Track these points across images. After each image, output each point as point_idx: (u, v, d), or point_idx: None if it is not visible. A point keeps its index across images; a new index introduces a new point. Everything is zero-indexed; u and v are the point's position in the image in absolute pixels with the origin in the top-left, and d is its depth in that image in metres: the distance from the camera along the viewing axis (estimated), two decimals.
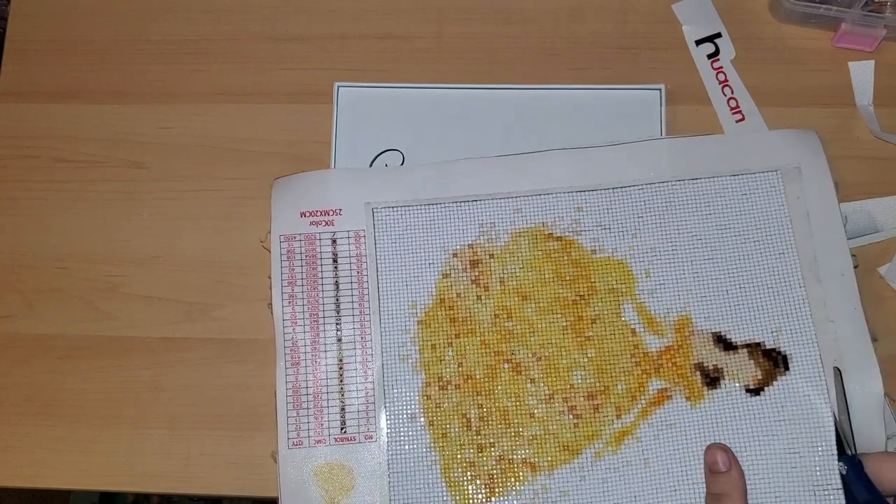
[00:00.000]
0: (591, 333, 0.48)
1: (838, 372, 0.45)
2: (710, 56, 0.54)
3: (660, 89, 0.53)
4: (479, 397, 0.47)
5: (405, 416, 0.47)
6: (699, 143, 0.50)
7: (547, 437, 0.46)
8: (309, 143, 0.54)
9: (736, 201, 0.49)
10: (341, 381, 0.48)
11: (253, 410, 0.49)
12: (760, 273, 0.48)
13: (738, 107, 0.53)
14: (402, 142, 0.53)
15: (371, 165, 0.53)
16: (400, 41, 0.55)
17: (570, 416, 0.46)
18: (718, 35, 0.54)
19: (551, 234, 0.49)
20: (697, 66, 0.54)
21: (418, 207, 0.50)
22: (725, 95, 0.53)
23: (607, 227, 0.49)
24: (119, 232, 0.53)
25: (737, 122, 0.52)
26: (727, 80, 0.53)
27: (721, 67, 0.54)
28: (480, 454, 0.46)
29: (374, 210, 0.50)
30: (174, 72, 0.56)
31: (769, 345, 0.47)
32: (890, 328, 0.49)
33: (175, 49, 0.56)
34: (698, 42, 0.54)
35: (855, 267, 0.48)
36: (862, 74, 0.53)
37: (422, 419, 0.47)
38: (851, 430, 0.45)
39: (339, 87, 0.54)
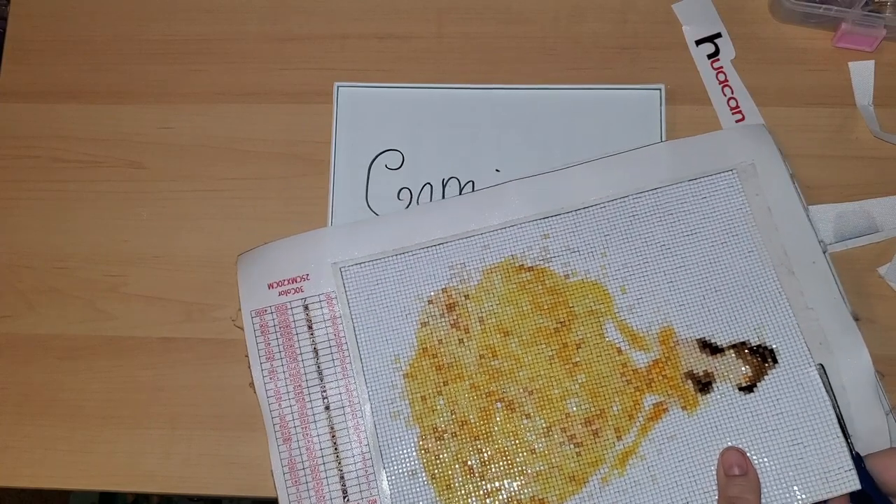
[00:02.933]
0: (578, 359, 0.47)
1: (822, 368, 0.46)
2: (710, 56, 0.54)
3: (660, 89, 0.53)
4: (477, 442, 0.46)
5: (405, 473, 0.46)
6: (653, 152, 0.50)
7: (552, 470, 0.46)
8: (309, 143, 0.54)
9: (698, 206, 0.49)
10: (336, 448, 0.47)
11: (253, 410, 0.49)
12: (734, 273, 0.48)
13: (738, 107, 0.53)
14: (402, 142, 0.53)
15: (371, 165, 0.53)
16: (400, 41, 0.55)
17: (571, 445, 0.46)
18: (718, 35, 0.54)
19: (522, 265, 0.49)
20: (697, 66, 0.54)
21: (385, 259, 0.49)
22: (725, 95, 0.53)
23: (576, 249, 0.49)
24: (119, 232, 0.53)
25: (737, 121, 0.52)
26: (727, 80, 0.53)
27: (721, 67, 0.54)
28: (488, 499, 0.45)
29: (342, 269, 0.49)
30: (174, 72, 0.56)
31: (754, 342, 0.47)
32: (890, 328, 0.49)
33: (175, 49, 0.56)
34: (698, 42, 0.54)
35: (823, 252, 0.48)
36: (862, 74, 0.53)
37: (423, 474, 0.46)
38: (844, 425, 0.45)
39: (339, 87, 0.54)
